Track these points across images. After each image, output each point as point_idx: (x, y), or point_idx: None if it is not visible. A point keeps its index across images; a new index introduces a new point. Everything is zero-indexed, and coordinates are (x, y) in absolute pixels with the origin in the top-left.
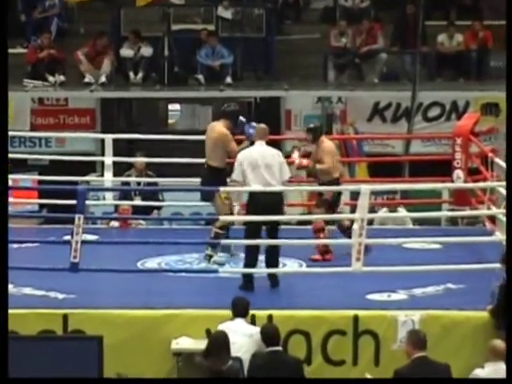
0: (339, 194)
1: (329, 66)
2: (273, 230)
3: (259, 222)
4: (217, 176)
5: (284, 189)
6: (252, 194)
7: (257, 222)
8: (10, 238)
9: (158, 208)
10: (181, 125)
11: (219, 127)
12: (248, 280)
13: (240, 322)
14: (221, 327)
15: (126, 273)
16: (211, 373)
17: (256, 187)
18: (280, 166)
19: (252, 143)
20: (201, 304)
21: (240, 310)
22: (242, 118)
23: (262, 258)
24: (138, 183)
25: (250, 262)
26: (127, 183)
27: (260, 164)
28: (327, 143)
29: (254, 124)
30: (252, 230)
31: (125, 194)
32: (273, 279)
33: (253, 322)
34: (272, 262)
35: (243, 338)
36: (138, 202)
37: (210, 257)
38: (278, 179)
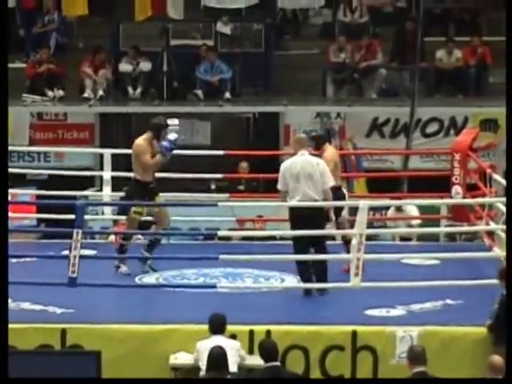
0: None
1: (328, 81)
2: (317, 245)
3: (303, 237)
4: (135, 188)
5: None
6: (292, 208)
7: (300, 236)
8: (9, 253)
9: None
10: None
11: (138, 139)
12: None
13: (218, 338)
14: (201, 345)
15: (124, 288)
16: None
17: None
18: (321, 175)
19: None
20: (199, 319)
21: (217, 326)
22: (170, 135)
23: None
24: None
25: (304, 275)
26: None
27: (301, 175)
28: (329, 151)
29: (170, 137)
30: (297, 245)
31: (123, 208)
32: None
33: (251, 337)
34: (320, 275)
35: (227, 351)
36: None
37: (118, 267)
38: (319, 190)
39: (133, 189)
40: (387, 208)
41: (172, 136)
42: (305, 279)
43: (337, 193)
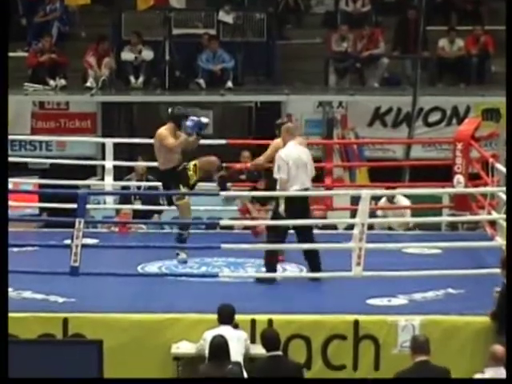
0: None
1: (330, 70)
2: (306, 232)
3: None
4: (166, 178)
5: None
6: (289, 196)
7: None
8: (10, 242)
9: (159, 212)
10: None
11: (159, 130)
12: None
13: (226, 328)
14: (208, 334)
15: (126, 277)
16: (213, 377)
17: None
18: (311, 164)
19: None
20: (201, 308)
21: (226, 316)
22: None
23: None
24: (138, 187)
25: (272, 263)
26: (127, 187)
27: (299, 163)
28: (276, 141)
29: (192, 118)
30: (280, 231)
31: (125, 198)
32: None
33: (253, 326)
34: (312, 264)
35: (232, 342)
36: (138, 206)
37: (178, 254)
38: (309, 178)
39: (166, 179)
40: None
41: (203, 119)
42: (271, 269)
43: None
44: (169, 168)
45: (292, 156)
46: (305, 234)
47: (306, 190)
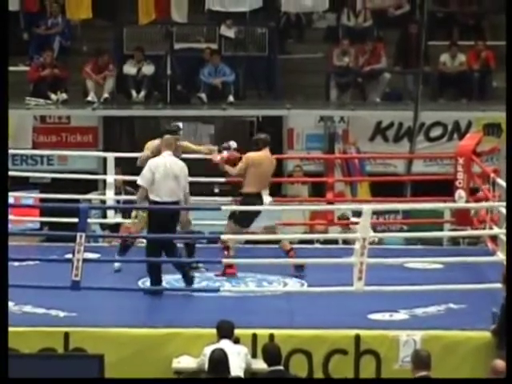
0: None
1: (331, 85)
2: (169, 248)
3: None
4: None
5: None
6: (157, 203)
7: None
8: (11, 256)
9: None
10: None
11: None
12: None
13: (226, 343)
14: (208, 349)
15: (127, 291)
16: None
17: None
18: (185, 178)
19: None
20: (202, 323)
21: (226, 331)
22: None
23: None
24: (117, 201)
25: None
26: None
27: (169, 174)
28: (254, 154)
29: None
30: (154, 247)
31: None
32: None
33: (254, 341)
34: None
35: (232, 356)
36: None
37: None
38: (181, 191)
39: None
40: (390, 212)
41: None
42: (155, 280)
43: (252, 198)
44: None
45: (162, 166)
46: (167, 248)
47: (176, 202)
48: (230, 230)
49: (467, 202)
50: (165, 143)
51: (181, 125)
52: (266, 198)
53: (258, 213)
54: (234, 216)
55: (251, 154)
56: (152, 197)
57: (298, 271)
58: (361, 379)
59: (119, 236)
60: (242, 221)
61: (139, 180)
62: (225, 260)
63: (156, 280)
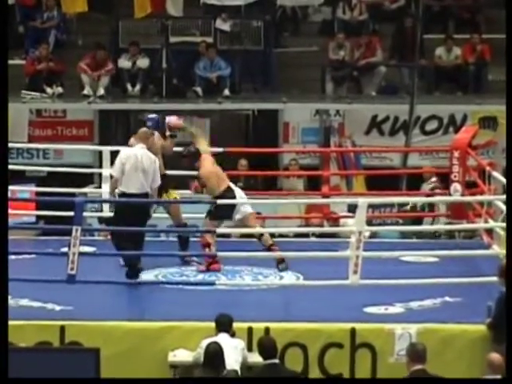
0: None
1: (327, 78)
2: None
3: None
4: None
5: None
6: (125, 195)
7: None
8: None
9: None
10: (178, 137)
11: None
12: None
13: (223, 337)
14: (205, 343)
15: (123, 285)
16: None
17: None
18: (154, 172)
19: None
20: (198, 316)
21: (224, 325)
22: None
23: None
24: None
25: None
26: None
27: (139, 167)
28: (208, 156)
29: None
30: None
31: None
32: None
33: (250, 334)
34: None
35: (229, 350)
36: None
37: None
38: (149, 184)
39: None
40: (385, 206)
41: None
42: (132, 273)
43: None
44: None
45: (130, 157)
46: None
47: (146, 194)
48: (207, 227)
49: (463, 195)
50: (140, 136)
51: (154, 116)
52: (237, 190)
53: (234, 206)
54: (210, 213)
55: (208, 157)
56: (121, 188)
57: (282, 268)
58: (356, 379)
59: (114, 230)
60: (220, 216)
61: (111, 171)
62: (220, 254)
63: (132, 272)
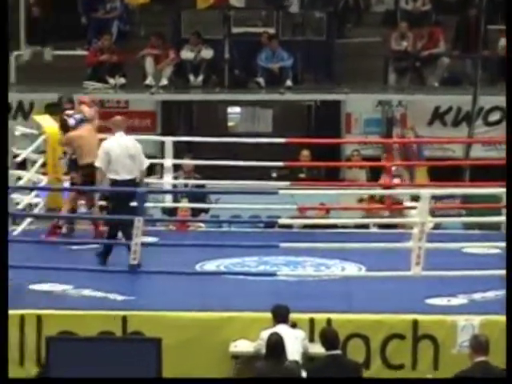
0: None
1: (389, 69)
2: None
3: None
4: None
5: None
6: (116, 182)
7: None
8: (70, 240)
9: (206, 211)
10: (241, 128)
11: None
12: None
13: (283, 327)
14: (265, 334)
15: (184, 275)
16: (270, 374)
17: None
18: (140, 155)
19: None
20: (259, 307)
21: (282, 316)
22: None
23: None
24: (186, 185)
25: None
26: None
27: (125, 153)
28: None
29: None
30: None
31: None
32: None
33: (312, 325)
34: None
35: (290, 340)
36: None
37: None
38: (137, 169)
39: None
40: (448, 197)
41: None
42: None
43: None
44: None
45: (117, 147)
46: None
47: (134, 180)
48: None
49: None
50: (113, 124)
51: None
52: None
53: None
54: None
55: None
56: (111, 176)
57: None
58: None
59: (177, 220)
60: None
61: (96, 162)
62: (283, 245)
63: (102, 258)
